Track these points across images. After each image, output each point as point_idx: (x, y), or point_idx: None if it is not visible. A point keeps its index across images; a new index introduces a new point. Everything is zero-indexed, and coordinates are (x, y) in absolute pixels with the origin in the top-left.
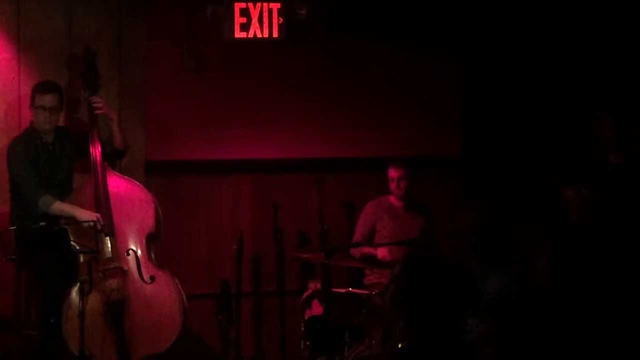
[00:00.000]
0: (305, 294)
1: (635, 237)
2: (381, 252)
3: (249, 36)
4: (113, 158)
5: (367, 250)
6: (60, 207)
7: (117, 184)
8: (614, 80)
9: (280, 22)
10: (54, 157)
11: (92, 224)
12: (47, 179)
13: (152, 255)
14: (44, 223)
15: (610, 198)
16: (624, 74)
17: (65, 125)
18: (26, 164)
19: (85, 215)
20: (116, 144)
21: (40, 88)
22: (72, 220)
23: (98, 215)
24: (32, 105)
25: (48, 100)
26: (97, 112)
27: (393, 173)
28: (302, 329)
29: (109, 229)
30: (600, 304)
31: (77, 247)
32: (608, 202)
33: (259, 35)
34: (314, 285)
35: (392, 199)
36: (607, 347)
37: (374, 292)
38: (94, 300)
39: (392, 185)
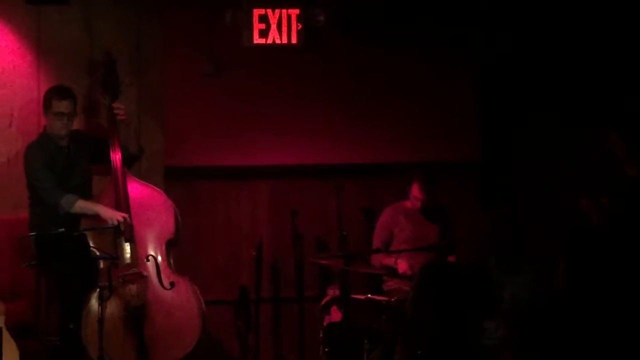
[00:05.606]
0: (324, 300)
1: None
2: (402, 267)
3: (267, 42)
4: (129, 163)
5: (386, 262)
6: (84, 205)
7: (137, 190)
8: (632, 87)
9: (299, 28)
10: (70, 161)
11: (116, 224)
12: (64, 183)
13: (172, 262)
14: (63, 229)
15: (629, 209)
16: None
17: (84, 130)
18: (44, 168)
19: (110, 213)
20: (132, 148)
21: (57, 94)
22: (96, 218)
23: (125, 214)
24: (48, 111)
25: (65, 106)
26: (119, 117)
27: (418, 194)
28: (321, 335)
29: (129, 235)
30: (617, 309)
31: (97, 253)
32: (626, 211)
33: (277, 41)
34: (333, 292)
35: (409, 204)
36: (623, 351)
37: (393, 299)
38: (114, 306)
39: (414, 202)
